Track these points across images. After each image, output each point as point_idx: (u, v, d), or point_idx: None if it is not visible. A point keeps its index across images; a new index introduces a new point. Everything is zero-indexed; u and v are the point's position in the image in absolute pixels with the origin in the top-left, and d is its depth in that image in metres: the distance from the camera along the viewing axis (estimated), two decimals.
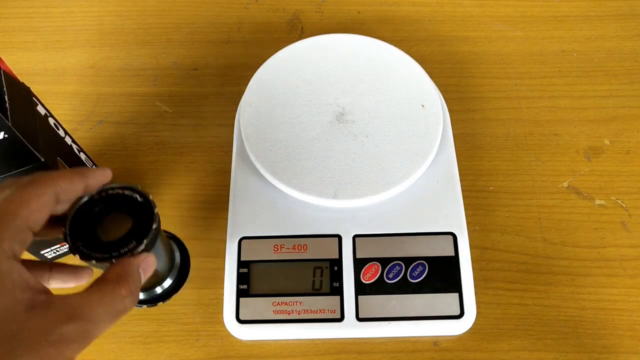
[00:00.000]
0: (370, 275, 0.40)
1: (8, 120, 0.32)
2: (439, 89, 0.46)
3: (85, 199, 0.29)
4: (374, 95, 0.44)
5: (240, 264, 0.40)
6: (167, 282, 0.36)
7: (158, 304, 0.36)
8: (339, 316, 0.39)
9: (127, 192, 0.30)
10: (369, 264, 0.40)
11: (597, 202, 0.47)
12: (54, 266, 0.32)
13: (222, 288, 0.40)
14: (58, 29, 0.57)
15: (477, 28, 0.56)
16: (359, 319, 0.39)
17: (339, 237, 0.41)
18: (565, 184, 0.48)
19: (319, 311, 0.39)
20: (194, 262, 0.45)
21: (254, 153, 0.42)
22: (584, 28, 0.56)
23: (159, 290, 0.36)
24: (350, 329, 0.39)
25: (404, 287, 0.40)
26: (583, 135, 0.50)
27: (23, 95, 0.37)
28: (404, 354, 0.41)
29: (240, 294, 0.40)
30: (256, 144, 0.42)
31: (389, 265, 0.40)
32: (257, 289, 0.40)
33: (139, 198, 0.30)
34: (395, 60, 0.46)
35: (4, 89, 0.34)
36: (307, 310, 0.39)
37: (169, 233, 0.38)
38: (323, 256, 0.41)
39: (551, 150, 0.49)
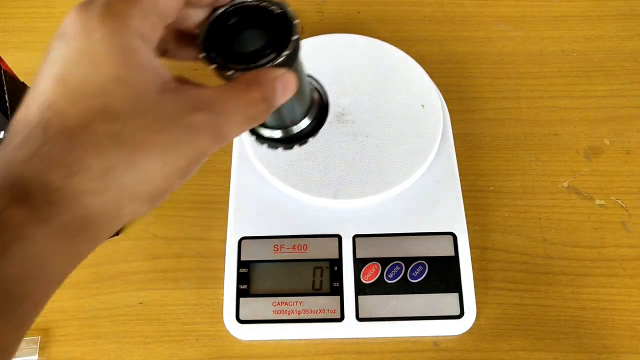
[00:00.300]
0: (370, 275, 0.40)
1: (8, 120, 0.32)
2: (439, 89, 0.46)
3: (220, 11, 0.27)
4: (374, 95, 0.44)
5: (240, 264, 0.40)
6: (305, 122, 0.34)
7: (294, 147, 0.34)
8: (339, 316, 0.39)
9: (264, 3, 0.27)
10: (369, 264, 0.40)
11: (597, 202, 0.47)
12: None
13: (222, 288, 0.40)
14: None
15: (477, 28, 0.56)
16: (359, 319, 0.39)
17: (339, 237, 0.41)
18: (565, 184, 0.48)
19: (319, 311, 0.39)
20: (193, 262, 0.45)
21: (254, 153, 0.42)
22: (584, 28, 0.56)
23: (295, 129, 0.34)
24: (350, 329, 0.39)
25: (404, 287, 0.40)
26: (583, 135, 0.50)
27: (23, 95, 0.37)
28: (404, 354, 0.41)
29: (240, 294, 0.40)
30: (256, 144, 0.42)
31: (389, 265, 0.40)
32: (257, 289, 0.40)
33: (275, 10, 0.27)
34: (395, 60, 0.46)
35: (4, 89, 0.34)
36: (307, 310, 0.39)
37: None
38: (323, 256, 0.41)
39: (551, 150, 0.49)
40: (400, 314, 0.39)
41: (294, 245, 0.41)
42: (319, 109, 0.35)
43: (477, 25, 0.56)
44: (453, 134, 0.45)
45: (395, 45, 0.47)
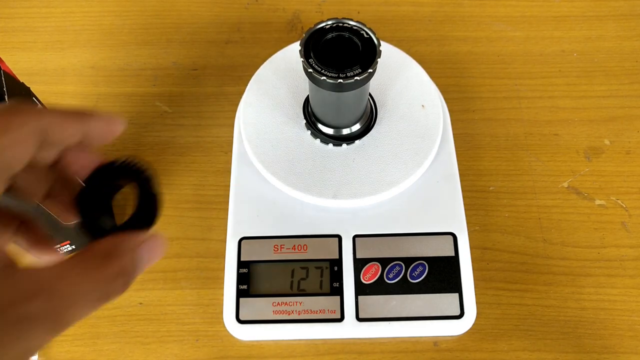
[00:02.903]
0: (370, 276, 0.40)
1: None
2: (439, 89, 0.46)
3: (321, 25, 0.34)
4: (373, 95, 0.44)
5: (240, 264, 0.40)
6: (355, 127, 0.41)
7: (343, 144, 0.41)
8: (339, 316, 0.39)
9: (356, 27, 0.34)
10: (369, 264, 0.40)
11: (597, 202, 0.47)
12: (22, 225, 0.25)
13: (222, 288, 0.40)
14: (58, 29, 0.57)
15: (477, 28, 0.56)
16: (359, 319, 0.39)
17: (339, 237, 0.41)
18: (565, 184, 0.48)
19: (319, 311, 0.39)
20: (193, 262, 0.45)
21: (254, 153, 0.42)
22: (584, 28, 0.56)
23: (345, 131, 0.41)
24: (350, 329, 0.39)
25: (404, 287, 0.40)
26: (583, 135, 0.50)
27: (23, 95, 0.37)
28: (404, 354, 0.41)
29: (240, 294, 0.40)
30: (256, 144, 0.42)
31: (389, 266, 0.40)
32: (257, 289, 0.40)
33: (364, 34, 0.34)
34: (395, 60, 0.46)
35: (4, 89, 0.34)
36: (307, 311, 0.39)
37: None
38: (323, 256, 0.41)
39: (551, 150, 0.49)
40: (400, 314, 0.39)
41: (294, 246, 0.41)
42: (369, 118, 0.42)
43: (477, 25, 0.56)
44: (453, 134, 0.45)
45: (395, 45, 0.47)
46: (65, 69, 0.55)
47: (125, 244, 0.22)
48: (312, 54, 0.34)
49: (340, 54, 0.34)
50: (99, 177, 0.26)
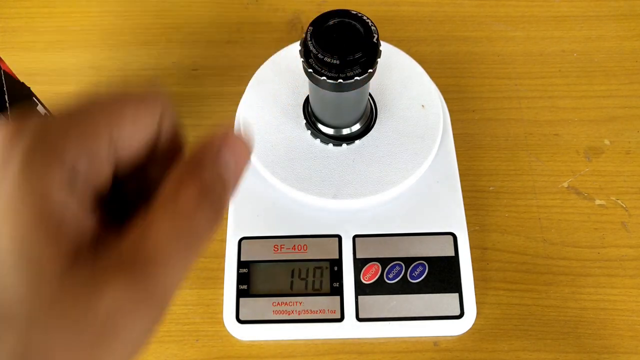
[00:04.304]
0: (370, 276, 0.40)
1: (8, 120, 0.32)
2: (439, 89, 0.46)
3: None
4: (374, 95, 0.44)
5: (240, 264, 0.40)
6: (355, 127, 0.41)
7: (343, 144, 0.41)
8: (339, 316, 0.39)
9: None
10: (369, 264, 0.40)
11: (597, 202, 0.47)
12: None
13: (222, 288, 0.40)
14: (58, 29, 0.57)
15: (477, 28, 0.56)
16: (359, 319, 0.39)
17: (339, 237, 0.41)
18: (565, 184, 0.48)
19: (319, 311, 0.39)
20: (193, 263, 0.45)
21: (254, 153, 0.42)
22: (584, 28, 0.56)
23: (345, 131, 0.41)
24: (350, 329, 0.39)
25: (404, 287, 0.40)
26: (583, 135, 0.50)
27: (23, 95, 0.37)
28: (404, 354, 0.41)
29: (240, 294, 0.40)
30: (256, 144, 0.42)
31: (389, 266, 0.40)
32: (257, 289, 0.40)
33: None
34: (395, 60, 0.46)
35: (4, 89, 0.34)
36: (307, 311, 0.39)
37: None
38: (323, 256, 0.41)
39: (551, 150, 0.49)
40: (400, 314, 0.39)
41: (294, 245, 0.41)
42: (369, 118, 0.42)
43: (477, 25, 0.56)
44: (453, 134, 0.45)
45: (395, 45, 0.47)
46: (65, 69, 0.55)
47: (209, 152, 0.16)
48: (311, 54, 0.33)
49: (341, 53, 0.34)
50: None
